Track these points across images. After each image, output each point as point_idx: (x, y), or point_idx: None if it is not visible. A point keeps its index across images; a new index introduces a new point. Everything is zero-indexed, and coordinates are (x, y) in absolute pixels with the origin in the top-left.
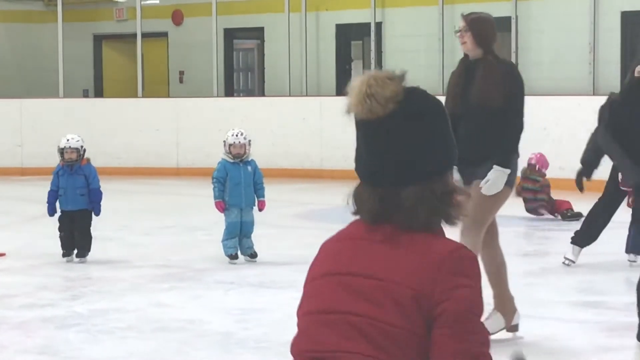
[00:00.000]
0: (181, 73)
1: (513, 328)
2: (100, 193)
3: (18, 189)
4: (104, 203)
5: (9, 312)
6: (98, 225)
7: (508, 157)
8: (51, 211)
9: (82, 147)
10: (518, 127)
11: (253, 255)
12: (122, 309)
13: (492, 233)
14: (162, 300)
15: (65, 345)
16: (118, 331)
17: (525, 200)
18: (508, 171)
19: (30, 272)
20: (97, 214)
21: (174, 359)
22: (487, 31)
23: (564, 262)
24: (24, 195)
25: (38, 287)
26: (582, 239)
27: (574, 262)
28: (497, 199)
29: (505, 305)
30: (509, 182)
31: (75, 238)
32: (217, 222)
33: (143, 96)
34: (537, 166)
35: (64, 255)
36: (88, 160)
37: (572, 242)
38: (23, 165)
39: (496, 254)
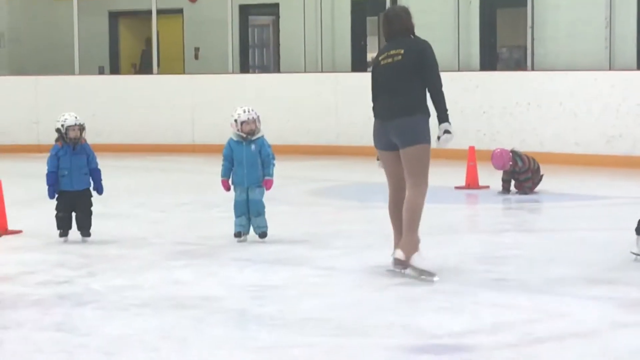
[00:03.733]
0: (196, 50)
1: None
2: (100, 172)
3: (34, 166)
4: (120, 180)
5: (25, 289)
6: (114, 203)
7: None
8: (53, 193)
9: (84, 124)
10: None
11: (262, 235)
12: (138, 286)
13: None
14: (178, 277)
15: (82, 322)
16: (134, 308)
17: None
18: None
19: (47, 250)
20: (101, 193)
21: (190, 336)
22: None
23: (635, 258)
24: (41, 172)
25: (54, 265)
26: None
27: None
28: None
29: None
30: None
31: (78, 218)
32: (233, 199)
33: (159, 73)
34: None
35: (61, 235)
36: (85, 139)
37: (637, 233)
38: (39, 142)
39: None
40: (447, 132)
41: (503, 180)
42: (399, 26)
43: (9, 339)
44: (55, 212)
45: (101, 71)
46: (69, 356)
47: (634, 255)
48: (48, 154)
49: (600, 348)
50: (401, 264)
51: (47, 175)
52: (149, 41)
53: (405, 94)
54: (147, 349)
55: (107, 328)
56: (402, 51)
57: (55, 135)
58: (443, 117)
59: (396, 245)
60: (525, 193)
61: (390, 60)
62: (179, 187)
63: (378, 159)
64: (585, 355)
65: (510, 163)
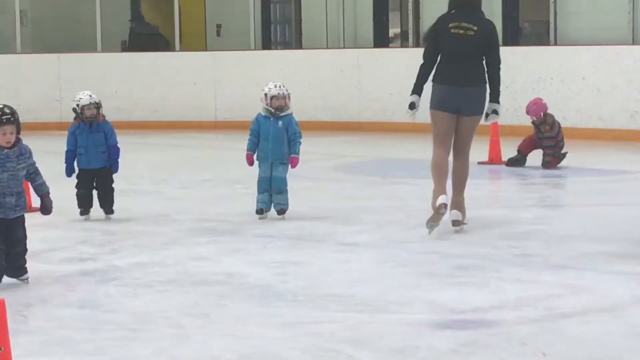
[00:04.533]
0: (218, 26)
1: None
2: (118, 149)
3: (57, 144)
4: (142, 157)
5: (49, 267)
6: (136, 180)
7: None
8: (70, 171)
9: (100, 102)
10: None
11: (281, 212)
12: (161, 263)
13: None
14: (201, 253)
15: (106, 298)
16: (157, 285)
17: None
18: None
19: (70, 227)
20: (116, 171)
21: (213, 312)
22: None
23: None
24: (64, 149)
25: (78, 242)
26: None
27: None
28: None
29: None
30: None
31: (99, 196)
32: (256, 175)
33: (180, 50)
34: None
35: (82, 213)
36: (104, 116)
37: None
38: (62, 119)
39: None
40: (495, 112)
41: (515, 159)
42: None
43: (33, 316)
44: (75, 190)
45: (124, 47)
46: (93, 333)
47: None
48: None
49: (624, 323)
50: (458, 224)
51: (65, 153)
52: (137, 17)
53: (476, 66)
54: (171, 325)
55: (130, 304)
56: (476, 28)
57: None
58: (496, 96)
59: (439, 193)
60: (547, 167)
61: (462, 31)
62: (202, 163)
63: (412, 108)
64: (609, 330)
65: (543, 113)
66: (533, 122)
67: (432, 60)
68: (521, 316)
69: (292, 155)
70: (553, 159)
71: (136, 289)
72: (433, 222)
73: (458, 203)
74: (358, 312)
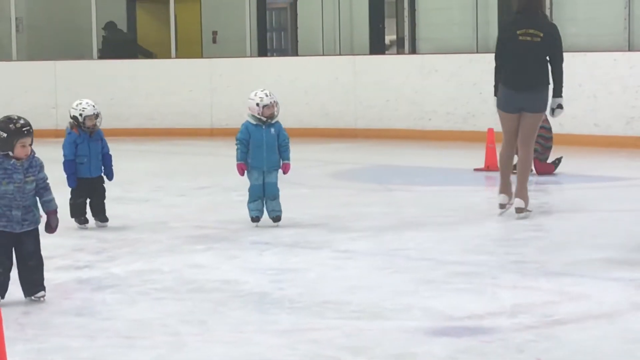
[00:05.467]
0: (214, 33)
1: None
2: (111, 157)
3: (53, 151)
4: (139, 164)
5: (45, 274)
6: (132, 187)
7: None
8: (74, 182)
9: (99, 112)
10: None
11: (276, 219)
12: (158, 270)
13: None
14: (198, 261)
15: (102, 306)
16: (154, 292)
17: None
18: None
19: (66, 234)
20: (112, 178)
21: (210, 319)
22: None
23: None
24: (59, 156)
25: (74, 249)
26: None
27: None
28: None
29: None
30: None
31: (93, 204)
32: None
33: (177, 57)
34: None
35: (83, 222)
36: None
37: None
38: (58, 127)
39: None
40: (560, 106)
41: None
42: (537, 2)
43: (30, 324)
44: (71, 200)
45: (99, 54)
46: (90, 340)
47: None
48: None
49: (621, 329)
50: (521, 211)
51: (66, 163)
52: (110, 25)
53: (539, 70)
54: (168, 333)
55: (127, 312)
56: (542, 34)
57: (69, 120)
58: (560, 92)
59: (501, 190)
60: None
61: (529, 38)
62: (198, 171)
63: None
64: (606, 336)
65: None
66: None
67: (503, 66)
68: (518, 323)
69: (286, 162)
70: (542, 150)
71: (133, 296)
72: (501, 210)
73: (521, 191)
74: (355, 319)
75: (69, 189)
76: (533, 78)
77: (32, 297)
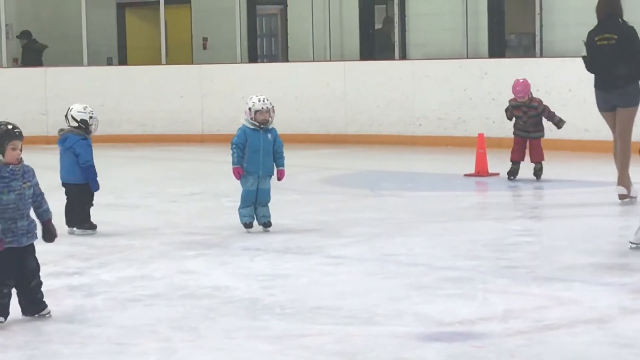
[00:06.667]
0: (205, 39)
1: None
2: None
3: (43, 158)
4: (130, 170)
5: None
6: (124, 193)
7: None
8: (98, 186)
9: None
10: None
11: (267, 225)
12: (148, 276)
13: None
14: (189, 267)
15: (93, 312)
16: (145, 298)
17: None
18: None
19: (57, 241)
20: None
21: (201, 326)
22: None
23: (635, 247)
24: (50, 163)
25: (65, 256)
26: None
27: None
28: None
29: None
30: None
31: (79, 210)
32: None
33: (167, 63)
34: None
35: (93, 227)
36: None
37: None
38: (48, 133)
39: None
40: None
41: (513, 170)
42: (613, 10)
43: (21, 330)
44: (86, 206)
45: (110, 62)
46: (81, 347)
47: (634, 245)
48: (56, 146)
49: (612, 334)
50: (624, 197)
51: (92, 167)
52: (26, 34)
53: (623, 68)
54: (159, 339)
55: (118, 319)
56: (616, 36)
57: (64, 125)
58: None
59: (619, 183)
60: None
61: (605, 42)
62: (189, 177)
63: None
64: (597, 341)
65: (529, 96)
66: (518, 106)
67: (592, 70)
68: (509, 328)
69: (281, 168)
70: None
71: (124, 302)
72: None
73: (623, 179)
74: (346, 324)
75: (65, 196)
76: (618, 76)
77: (37, 315)
